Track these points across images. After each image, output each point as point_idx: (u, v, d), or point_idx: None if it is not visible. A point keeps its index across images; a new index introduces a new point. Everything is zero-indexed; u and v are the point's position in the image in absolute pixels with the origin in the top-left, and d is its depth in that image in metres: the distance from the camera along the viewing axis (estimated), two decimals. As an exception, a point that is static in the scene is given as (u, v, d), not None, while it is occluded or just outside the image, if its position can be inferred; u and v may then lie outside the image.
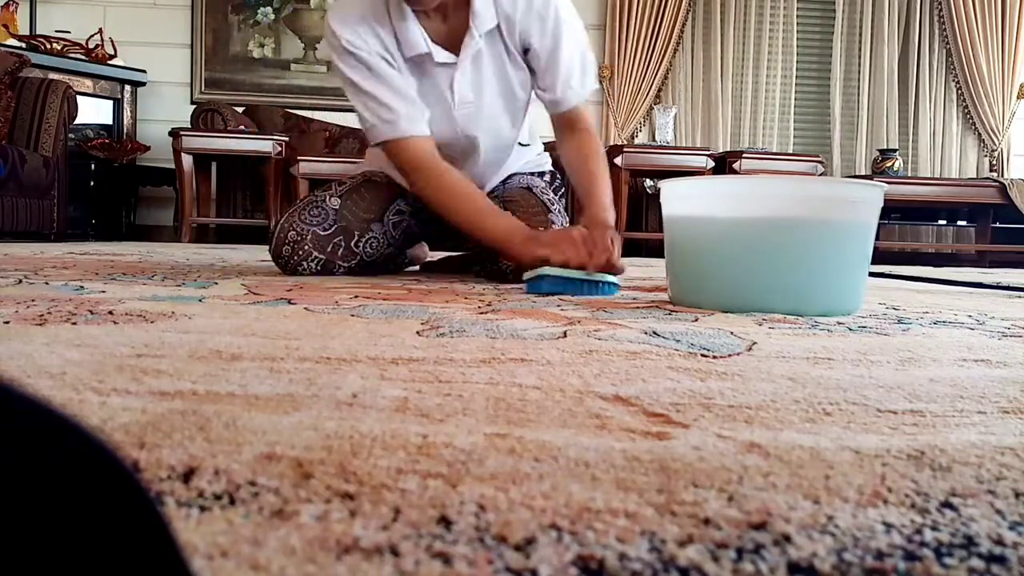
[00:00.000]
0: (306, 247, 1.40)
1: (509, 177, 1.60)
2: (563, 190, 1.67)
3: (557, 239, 1.19)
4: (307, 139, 4.13)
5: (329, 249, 1.41)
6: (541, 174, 1.62)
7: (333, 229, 1.42)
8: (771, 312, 0.95)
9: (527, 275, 1.18)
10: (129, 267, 1.54)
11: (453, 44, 1.35)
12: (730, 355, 0.62)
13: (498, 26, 1.34)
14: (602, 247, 1.17)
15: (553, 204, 1.50)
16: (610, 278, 1.17)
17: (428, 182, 1.32)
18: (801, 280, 0.95)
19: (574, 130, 1.41)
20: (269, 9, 4.44)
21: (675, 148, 3.96)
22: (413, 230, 1.55)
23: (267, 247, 1.51)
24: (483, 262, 1.54)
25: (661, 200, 1.11)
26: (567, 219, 1.53)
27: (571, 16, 1.38)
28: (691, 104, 4.63)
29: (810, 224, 0.94)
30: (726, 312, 0.96)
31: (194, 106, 4.05)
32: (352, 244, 1.44)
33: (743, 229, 0.96)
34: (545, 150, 1.70)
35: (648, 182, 4.12)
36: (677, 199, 1.07)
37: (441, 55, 1.34)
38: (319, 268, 1.41)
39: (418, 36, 1.32)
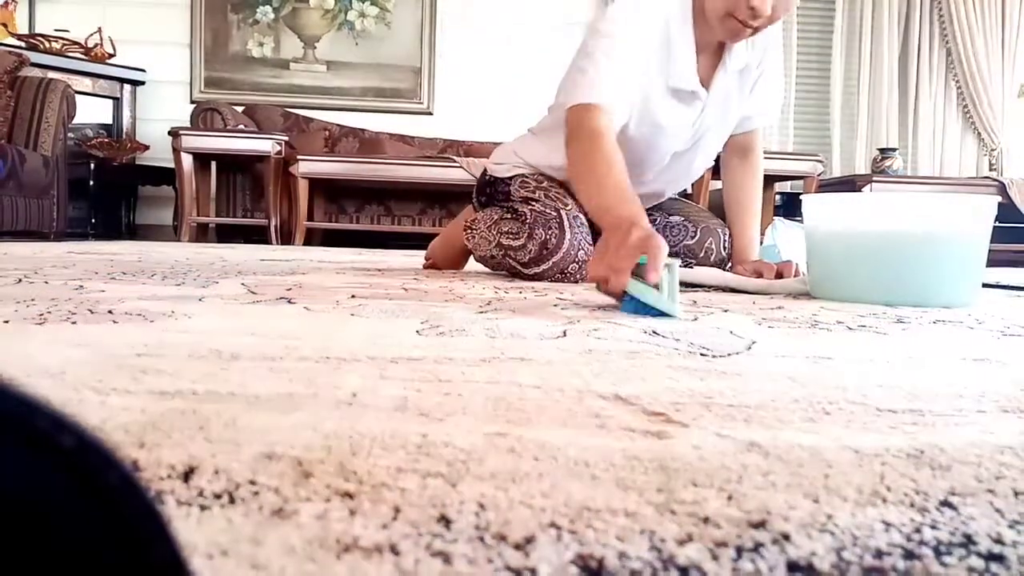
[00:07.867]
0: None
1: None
2: None
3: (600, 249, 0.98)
4: (307, 138, 4.13)
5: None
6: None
7: (591, 235, 1.43)
8: (900, 304, 1.12)
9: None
10: (129, 266, 1.54)
11: (703, 77, 1.35)
12: (729, 354, 0.62)
13: (746, 65, 1.36)
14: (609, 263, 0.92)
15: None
16: (654, 302, 0.86)
17: (595, 147, 1.19)
18: (930, 278, 1.17)
19: (747, 154, 1.47)
20: (268, 8, 4.44)
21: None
22: None
23: (517, 260, 1.45)
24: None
25: (804, 212, 1.28)
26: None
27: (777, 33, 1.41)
28: (690, 104, 4.63)
29: (939, 232, 1.16)
30: (858, 303, 1.13)
31: (193, 105, 4.04)
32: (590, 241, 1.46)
33: (880, 239, 1.17)
34: None
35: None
36: (820, 212, 1.27)
37: (700, 90, 1.34)
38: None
39: (691, 70, 1.32)
